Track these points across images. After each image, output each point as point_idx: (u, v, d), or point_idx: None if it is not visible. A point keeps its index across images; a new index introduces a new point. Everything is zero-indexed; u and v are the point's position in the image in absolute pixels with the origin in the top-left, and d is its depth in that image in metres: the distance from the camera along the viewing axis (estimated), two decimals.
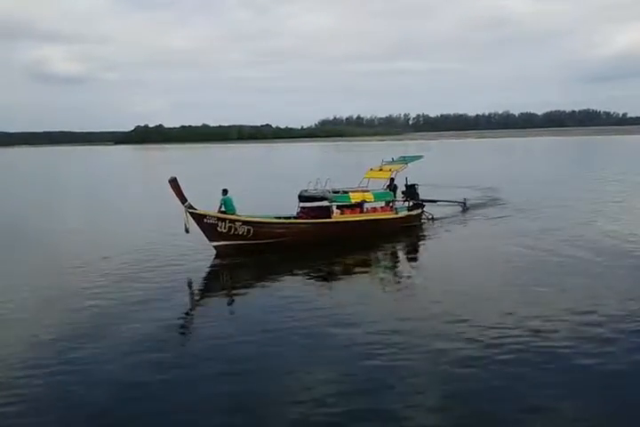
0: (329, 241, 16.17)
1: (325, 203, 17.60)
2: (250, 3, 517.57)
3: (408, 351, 8.45)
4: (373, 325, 9.69)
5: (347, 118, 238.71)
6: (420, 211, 20.42)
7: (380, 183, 19.40)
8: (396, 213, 19.06)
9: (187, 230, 15.14)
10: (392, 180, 19.72)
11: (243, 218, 15.85)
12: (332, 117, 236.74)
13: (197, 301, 12.43)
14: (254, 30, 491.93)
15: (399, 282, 13.30)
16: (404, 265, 15.55)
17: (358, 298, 11.50)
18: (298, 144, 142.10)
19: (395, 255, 16.72)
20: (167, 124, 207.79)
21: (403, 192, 20.57)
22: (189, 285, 13.26)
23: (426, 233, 19.08)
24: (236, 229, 15.57)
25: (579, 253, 14.37)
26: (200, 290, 13.30)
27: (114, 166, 69.81)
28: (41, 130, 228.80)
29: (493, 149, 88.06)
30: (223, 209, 15.98)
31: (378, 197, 18.70)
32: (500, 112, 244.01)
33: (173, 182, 14.96)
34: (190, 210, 15.18)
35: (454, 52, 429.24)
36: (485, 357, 8.22)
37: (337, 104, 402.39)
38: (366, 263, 15.28)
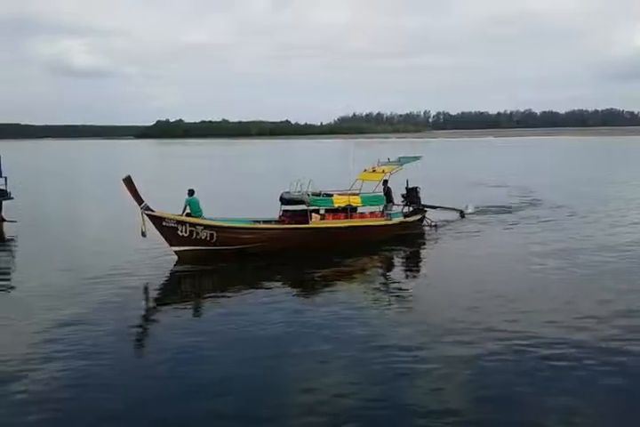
0: (305, 249, 14.83)
1: (304, 207, 16.10)
2: None
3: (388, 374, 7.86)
4: (340, 338, 9.17)
5: (366, 115, 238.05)
6: (419, 217, 18.79)
7: (375, 186, 17.74)
8: (389, 219, 17.28)
9: (143, 234, 13.99)
10: (385, 182, 17.98)
11: (204, 222, 14.67)
12: (351, 114, 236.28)
13: (149, 312, 11.48)
14: (274, 25, 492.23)
15: (377, 292, 12.29)
16: (386, 276, 14.20)
17: (330, 310, 10.69)
18: (317, 140, 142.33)
19: (379, 266, 15.18)
20: (187, 119, 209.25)
21: (403, 196, 19.16)
22: (145, 293, 12.49)
23: (423, 242, 17.64)
24: (197, 234, 14.41)
25: (603, 264, 13.60)
26: (155, 299, 12.41)
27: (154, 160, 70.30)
28: (63, 123, 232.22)
29: (513, 148, 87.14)
30: (188, 211, 14.93)
31: (367, 201, 16.90)
32: (522, 110, 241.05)
33: (127, 181, 13.83)
34: (147, 212, 14.07)
35: (475, 48, 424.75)
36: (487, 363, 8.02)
37: (357, 101, 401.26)
38: (345, 274, 13.78)
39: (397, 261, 15.98)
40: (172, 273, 13.98)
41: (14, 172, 24.67)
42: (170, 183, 33.61)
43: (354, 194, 17.05)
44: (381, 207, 17.26)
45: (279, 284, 12.93)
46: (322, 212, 16.26)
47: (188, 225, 14.39)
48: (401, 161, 18.74)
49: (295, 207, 16.47)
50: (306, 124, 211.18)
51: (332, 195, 16.74)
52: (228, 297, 11.94)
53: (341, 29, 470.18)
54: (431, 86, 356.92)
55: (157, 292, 12.92)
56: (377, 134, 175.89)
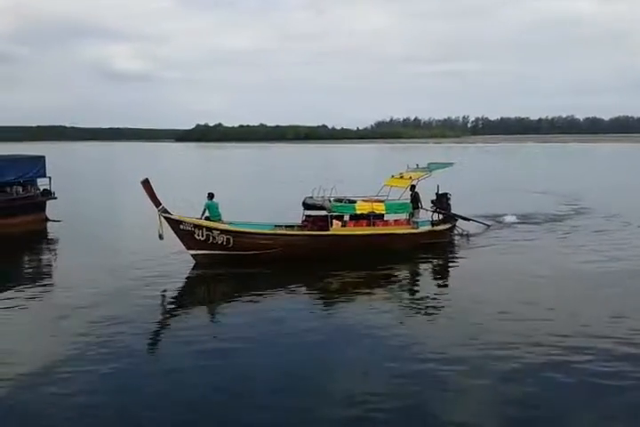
0: (325, 256, 14.58)
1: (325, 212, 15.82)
2: (309, 4, 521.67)
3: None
4: (365, 349, 8.97)
5: (404, 120, 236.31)
6: (449, 226, 17.93)
7: (405, 193, 17.06)
8: (416, 227, 16.72)
9: (160, 237, 14.07)
10: (413, 187, 17.33)
11: (220, 226, 14.60)
12: (388, 119, 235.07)
13: (165, 316, 11.43)
14: (312, 31, 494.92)
15: (401, 302, 11.96)
16: (409, 285, 13.91)
17: (350, 319, 10.52)
18: (352, 145, 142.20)
19: (402, 275, 14.78)
20: (226, 123, 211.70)
21: (432, 202, 18.37)
22: (162, 297, 12.47)
23: (453, 252, 16.95)
24: (214, 238, 14.38)
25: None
26: (171, 304, 12.41)
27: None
28: (106, 126, 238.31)
29: (555, 155, 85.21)
30: (207, 215, 14.97)
31: (392, 208, 16.37)
32: (564, 116, 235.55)
33: (146, 184, 13.91)
34: (165, 214, 14.11)
35: (516, 53, 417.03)
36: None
37: (394, 105, 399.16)
38: (366, 282, 13.53)
39: (423, 270, 15.41)
40: (188, 277, 13.97)
41: (58, 172, 25.39)
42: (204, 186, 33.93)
43: (379, 200, 16.58)
44: (408, 215, 16.68)
45: (298, 291, 12.79)
46: (346, 218, 15.94)
47: (204, 229, 14.33)
48: (430, 167, 18.07)
49: (317, 213, 16.18)
50: (342, 128, 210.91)
51: (355, 201, 16.35)
52: (249, 302, 11.84)
53: (380, 35, 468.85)
54: (470, 92, 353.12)
55: (175, 296, 12.88)
56: (414, 139, 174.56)
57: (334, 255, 14.73)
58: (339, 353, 8.90)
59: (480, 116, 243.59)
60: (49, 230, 21.54)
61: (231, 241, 14.45)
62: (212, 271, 14.12)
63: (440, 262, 16.11)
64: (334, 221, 15.58)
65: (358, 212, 15.92)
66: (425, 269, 15.48)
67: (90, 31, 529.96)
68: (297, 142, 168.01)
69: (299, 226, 16.15)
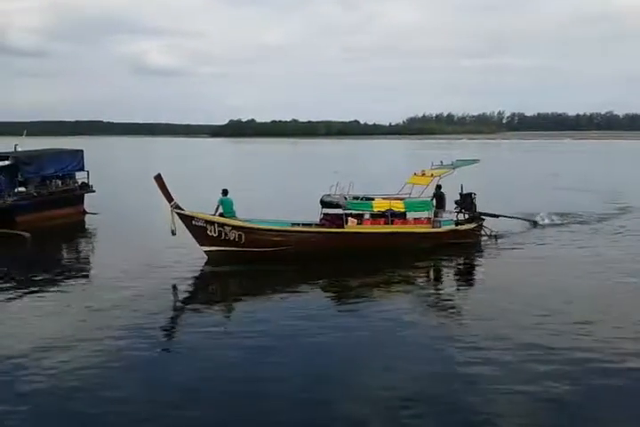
0: (340, 254, 14.43)
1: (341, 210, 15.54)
2: None
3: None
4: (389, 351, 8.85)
5: (436, 116, 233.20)
6: (474, 225, 17.29)
7: (427, 191, 16.58)
8: (438, 226, 16.30)
9: (173, 232, 14.12)
10: (439, 187, 16.86)
11: (232, 222, 14.57)
12: (420, 115, 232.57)
13: (176, 313, 11.48)
14: (344, 26, 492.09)
15: (419, 302, 11.78)
16: (427, 286, 13.67)
17: (367, 319, 10.43)
18: (384, 141, 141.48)
19: (420, 275, 14.35)
20: (259, 119, 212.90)
21: (456, 202, 17.87)
22: (174, 293, 12.62)
23: (477, 252, 16.32)
24: (226, 235, 14.36)
25: None
26: (182, 301, 12.44)
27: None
28: (142, 121, 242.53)
29: (595, 151, 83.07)
30: (221, 211, 14.94)
31: (411, 206, 16.00)
32: (603, 112, 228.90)
33: (158, 179, 14.01)
34: (177, 210, 14.15)
35: (553, 48, 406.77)
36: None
37: (427, 101, 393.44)
38: (383, 282, 13.26)
39: (444, 271, 15.08)
40: (200, 274, 14.03)
41: (96, 166, 26.06)
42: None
43: (399, 198, 16.31)
44: (429, 213, 16.27)
45: (312, 289, 12.71)
46: (367, 216, 15.77)
47: (216, 225, 14.34)
48: (454, 164, 17.56)
49: (335, 211, 15.98)
50: (374, 124, 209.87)
51: (373, 199, 16.14)
52: (265, 299, 11.96)
53: (412, 30, 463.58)
54: (506, 87, 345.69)
55: (184, 292, 12.96)
56: (447, 135, 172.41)
57: (349, 253, 14.49)
58: (361, 353, 8.87)
59: (516, 112, 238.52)
60: (87, 223, 22.18)
61: (243, 237, 14.40)
62: (225, 269, 14.15)
63: (462, 263, 15.65)
64: (350, 218, 15.39)
65: (375, 210, 15.67)
66: (445, 269, 15.08)
67: (126, 27, 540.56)
68: (329, 138, 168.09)
69: (317, 224, 15.96)
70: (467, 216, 17.72)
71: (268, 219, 15.81)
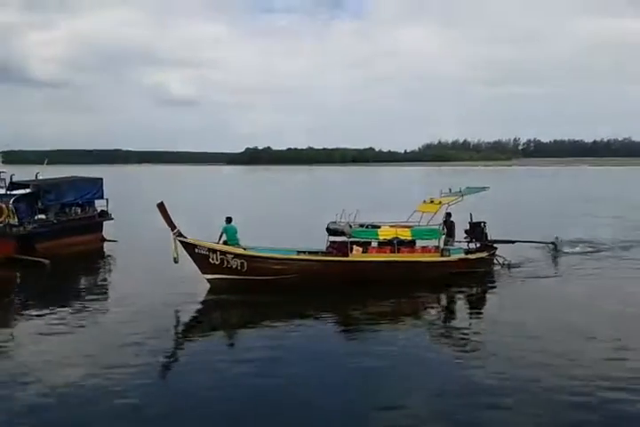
0: (344, 283, 14.15)
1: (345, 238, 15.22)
2: (358, 29, 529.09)
3: None
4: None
5: (452, 142, 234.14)
6: (486, 254, 16.76)
7: (436, 219, 16.12)
8: (447, 255, 15.74)
9: (175, 260, 14.01)
10: (448, 215, 16.48)
11: (234, 250, 14.49)
12: (436, 141, 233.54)
13: (175, 344, 11.22)
14: (360, 55, 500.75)
15: (424, 333, 11.50)
16: (432, 316, 13.22)
17: (371, 349, 10.18)
18: (398, 168, 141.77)
19: (427, 305, 13.97)
20: (274, 146, 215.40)
21: (466, 231, 17.45)
22: (176, 323, 12.52)
23: (489, 282, 15.79)
24: (228, 262, 14.30)
25: None
26: (183, 330, 12.23)
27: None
28: (159, 149, 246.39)
29: (616, 178, 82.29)
30: (225, 239, 14.92)
31: (419, 234, 15.62)
32: (621, 139, 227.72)
33: (161, 207, 14.02)
34: (180, 238, 14.11)
35: (569, 76, 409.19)
36: None
37: (442, 128, 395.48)
38: (388, 312, 12.99)
39: (450, 302, 14.66)
40: (203, 302, 13.88)
41: (114, 194, 26.29)
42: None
43: (406, 226, 15.93)
44: (438, 242, 15.77)
45: (315, 319, 12.39)
46: (374, 244, 15.44)
47: (219, 253, 14.29)
48: (462, 192, 17.04)
49: (342, 238, 15.62)
50: (389, 151, 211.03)
51: (379, 226, 15.79)
52: (265, 328, 11.73)
53: (430, 58, 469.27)
54: (521, 114, 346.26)
55: (185, 322, 12.82)
56: (463, 162, 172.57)
57: (354, 283, 14.19)
58: (366, 383, 8.68)
59: (532, 139, 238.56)
60: (105, 250, 22.25)
61: (245, 266, 14.32)
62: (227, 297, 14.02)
63: (471, 294, 15.07)
64: (354, 247, 15.09)
65: (381, 238, 15.31)
66: (452, 300, 14.68)
67: (146, 58, 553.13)
68: (344, 165, 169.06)
69: (323, 252, 15.67)
70: (478, 245, 17.27)
71: (273, 247, 15.64)
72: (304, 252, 15.65)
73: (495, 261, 17.18)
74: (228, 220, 15.18)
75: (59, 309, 13.04)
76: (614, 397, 8.08)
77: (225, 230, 15.03)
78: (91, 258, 20.67)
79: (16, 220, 19.84)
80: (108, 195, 24.44)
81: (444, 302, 14.64)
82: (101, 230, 23.74)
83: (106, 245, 22.90)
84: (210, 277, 14.48)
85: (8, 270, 17.64)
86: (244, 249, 14.86)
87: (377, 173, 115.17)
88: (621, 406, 7.86)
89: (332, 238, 15.86)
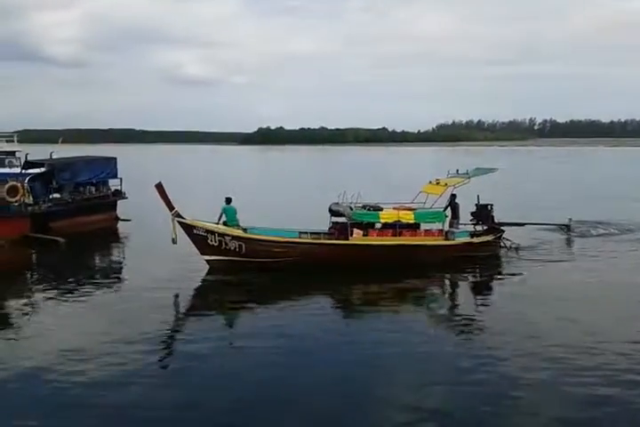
0: (344, 267, 13.89)
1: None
2: (370, 6, 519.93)
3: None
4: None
5: (466, 122, 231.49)
6: (492, 237, 16.33)
7: (440, 201, 15.67)
8: (452, 238, 15.34)
9: (173, 241, 13.98)
10: (453, 197, 16.02)
11: (232, 232, 14.32)
12: (450, 122, 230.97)
13: (175, 322, 11.31)
14: (374, 34, 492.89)
15: (423, 317, 11.43)
16: (434, 300, 13.02)
17: (368, 333, 10.23)
18: (412, 148, 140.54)
19: (429, 289, 13.81)
20: (287, 126, 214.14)
21: (472, 214, 16.94)
22: (175, 302, 12.54)
23: (494, 265, 15.46)
24: (226, 244, 14.19)
25: None
26: (185, 308, 12.40)
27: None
28: (173, 129, 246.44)
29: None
30: (224, 219, 14.77)
31: (422, 217, 15.12)
32: (638, 119, 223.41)
33: (159, 188, 14.00)
34: (178, 219, 14.05)
35: (585, 55, 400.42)
36: None
37: (456, 108, 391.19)
38: (385, 296, 12.73)
39: (454, 285, 14.55)
40: (203, 281, 13.93)
41: (128, 173, 26.41)
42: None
43: (410, 209, 15.45)
44: (442, 225, 15.35)
45: (316, 300, 12.41)
46: (378, 226, 15.05)
47: (217, 235, 14.20)
48: (469, 173, 16.49)
49: (343, 220, 15.26)
50: (403, 131, 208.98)
51: (381, 208, 15.42)
52: (262, 311, 11.65)
53: (443, 38, 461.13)
54: (537, 94, 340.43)
55: (186, 301, 12.88)
56: (477, 142, 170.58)
57: (353, 266, 13.98)
58: (363, 368, 8.66)
59: (548, 119, 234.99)
60: (119, 229, 22.47)
61: (243, 248, 14.20)
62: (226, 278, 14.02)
63: (475, 278, 14.85)
64: (355, 229, 14.71)
65: (382, 220, 14.91)
66: (455, 285, 14.48)
67: (160, 38, 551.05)
68: (357, 145, 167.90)
69: (325, 233, 15.46)
70: (485, 227, 16.87)
71: (275, 228, 15.28)
72: (306, 233, 15.35)
73: (502, 244, 16.81)
74: (228, 200, 15.00)
75: (70, 286, 13.40)
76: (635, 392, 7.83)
77: (224, 211, 14.87)
78: (104, 237, 20.94)
79: (31, 199, 20.10)
80: (121, 174, 24.55)
81: (446, 287, 14.39)
82: (115, 209, 23.95)
83: (120, 224, 23.12)
84: (208, 258, 14.41)
85: (24, 248, 17.93)
86: (245, 230, 14.72)
87: (387, 153, 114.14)
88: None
89: (335, 219, 15.63)
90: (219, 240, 14.20)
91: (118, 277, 14.85)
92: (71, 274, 14.81)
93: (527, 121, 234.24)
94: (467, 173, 16.55)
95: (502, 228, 17.07)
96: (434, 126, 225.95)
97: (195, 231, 14.23)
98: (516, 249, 16.77)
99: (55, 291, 13.03)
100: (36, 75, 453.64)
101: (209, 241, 14.21)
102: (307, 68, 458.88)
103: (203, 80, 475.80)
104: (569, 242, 18.35)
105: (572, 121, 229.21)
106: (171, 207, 14.08)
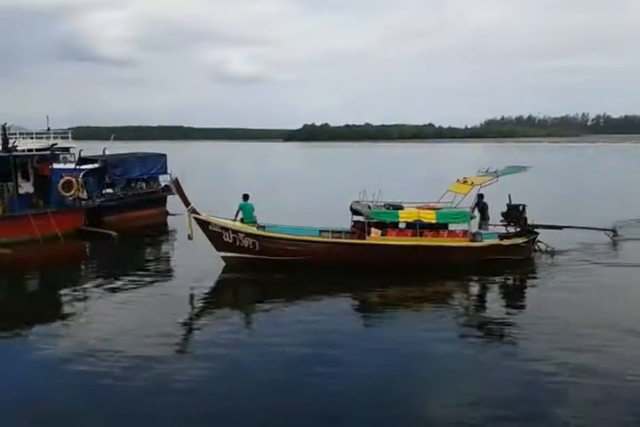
0: (359, 267, 13.53)
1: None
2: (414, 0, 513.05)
3: None
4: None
5: (516, 118, 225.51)
6: (524, 240, 15.35)
7: (465, 200, 14.94)
8: (479, 240, 14.64)
9: (189, 237, 14.06)
10: (480, 196, 15.36)
11: (246, 229, 14.29)
12: (499, 117, 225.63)
13: (191, 318, 11.39)
14: (420, 29, 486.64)
15: (443, 321, 10.89)
16: (456, 303, 12.42)
17: (382, 335, 10.12)
18: (460, 144, 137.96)
19: (449, 292, 13.12)
20: (332, 123, 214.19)
21: (503, 214, 16.00)
22: (190, 298, 12.62)
23: (526, 272, 14.42)
24: (240, 241, 14.21)
25: None
26: (200, 305, 12.35)
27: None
28: (220, 126, 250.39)
29: None
30: (241, 216, 14.74)
31: (445, 217, 14.43)
32: None
33: (176, 184, 14.11)
34: (194, 215, 14.11)
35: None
36: None
37: (506, 103, 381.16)
38: (404, 298, 12.41)
39: (478, 291, 13.64)
40: (219, 280, 14.04)
41: (177, 169, 26.91)
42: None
43: (433, 208, 14.84)
44: (468, 225, 14.66)
45: (330, 300, 12.29)
46: (401, 226, 14.58)
47: (231, 231, 14.24)
48: (498, 172, 15.61)
49: (362, 218, 14.80)
50: (449, 127, 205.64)
51: (401, 207, 14.94)
52: (276, 309, 11.63)
53: (495, 30, 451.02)
54: (591, 88, 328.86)
55: (200, 298, 12.86)
56: (527, 138, 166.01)
57: (370, 266, 13.62)
58: (389, 372, 8.49)
59: (601, 114, 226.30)
60: (168, 224, 22.96)
61: (257, 245, 14.21)
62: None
63: (502, 283, 13.89)
64: (373, 229, 14.30)
65: (401, 220, 14.42)
66: (480, 289, 13.69)
67: (209, 36, 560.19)
68: (402, 142, 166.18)
69: (347, 232, 15.13)
70: (517, 229, 15.92)
71: (295, 225, 15.10)
72: (327, 231, 15.09)
73: (536, 247, 15.92)
74: (245, 197, 14.86)
75: (121, 277, 13.96)
76: None
77: (241, 208, 14.77)
78: (155, 231, 21.43)
79: (85, 193, 20.75)
80: (171, 170, 25.05)
81: (470, 291, 13.63)
82: (165, 204, 24.47)
83: (169, 218, 23.61)
84: (223, 254, 14.47)
85: (78, 242, 18.59)
86: (263, 227, 14.64)
87: (433, 150, 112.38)
88: None
89: (356, 218, 15.25)
90: (233, 237, 14.26)
91: (166, 269, 15.39)
92: (122, 266, 15.43)
93: (580, 116, 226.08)
94: (495, 172, 15.73)
95: (537, 230, 16.05)
96: (482, 122, 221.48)
97: (210, 228, 14.30)
98: (552, 253, 15.87)
99: (106, 281, 13.56)
100: (90, 74, 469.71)
101: (224, 238, 14.30)
102: (352, 63, 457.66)
103: (249, 77, 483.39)
104: (614, 246, 17.12)
105: (626, 116, 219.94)
106: (187, 203, 14.18)
